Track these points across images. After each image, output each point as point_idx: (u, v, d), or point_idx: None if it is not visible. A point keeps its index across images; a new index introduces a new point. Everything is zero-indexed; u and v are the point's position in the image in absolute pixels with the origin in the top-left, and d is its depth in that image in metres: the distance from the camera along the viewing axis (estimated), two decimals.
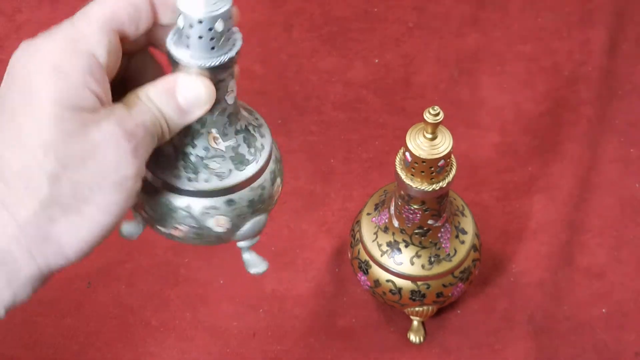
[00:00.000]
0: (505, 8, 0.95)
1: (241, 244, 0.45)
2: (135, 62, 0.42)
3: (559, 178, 0.81)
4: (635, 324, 0.72)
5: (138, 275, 0.75)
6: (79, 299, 0.74)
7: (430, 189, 0.59)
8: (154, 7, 0.39)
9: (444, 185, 0.60)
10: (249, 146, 0.43)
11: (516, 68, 0.90)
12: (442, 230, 0.65)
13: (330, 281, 0.75)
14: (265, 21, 0.92)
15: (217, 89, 0.40)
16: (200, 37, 0.38)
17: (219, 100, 0.40)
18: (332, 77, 0.89)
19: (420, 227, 0.64)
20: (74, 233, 0.37)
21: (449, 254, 0.66)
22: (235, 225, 0.43)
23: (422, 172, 0.59)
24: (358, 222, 0.69)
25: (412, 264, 0.65)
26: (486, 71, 0.90)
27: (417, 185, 0.59)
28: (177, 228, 0.43)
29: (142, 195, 0.42)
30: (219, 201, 0.42)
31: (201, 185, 0.41)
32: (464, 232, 0.67)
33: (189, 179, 0.41)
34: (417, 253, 0.65)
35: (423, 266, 0.65)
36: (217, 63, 0.39)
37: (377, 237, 0.67)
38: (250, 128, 0.43)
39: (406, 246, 0.65)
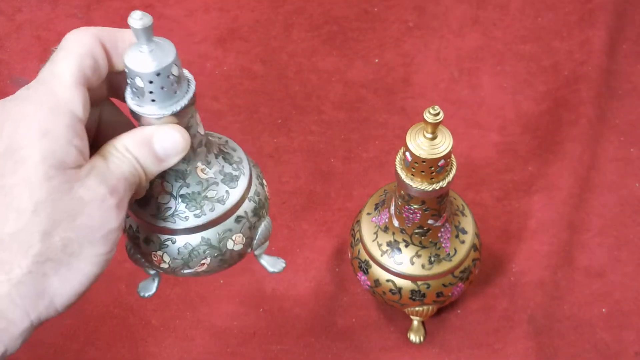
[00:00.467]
0: (505, 8, 0.95)
1: (256, 252, 0.48)
2: (103, 113, 0.44)
3: (559, 178, 0.81)
4: (635, 323, 0.72)
5: (138, 275, 0.75)
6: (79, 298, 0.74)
7: (430, 189, 0.59)
8: (109, 55, 0.40)
9: (444, 185, 0.59)
10: (230, 163, 0.45)
11: (516, 68, 0.90)
12: (442, 230, 0.65)
13: (330, 281, 0.75)
14: (265, 21, 0.92)
15: (189, 127, 0.41)
16: (162, 88, 0.39)
17: (194, 135, 0.42)
18: (332, 77, 0.89)
19: (420, 227, 0.64)
20: (65, 286, 0.38)
21: (449, 254, 0.66)
22: (249, 237, 0.46)
23: (422, 171, 0.58)
24: (358, 222, 0.69)
25: (412, 263, 0.65)
26: (486, 71, 0.90)
27: (417, 185, 0.59)
28: (202, 264, 0.45)
29: (160, 252, 0.44)
30: (229, 223, 0.44)
31: (209, 216, 0.43)
32: (464, 232, 0.67)
33: (196, 216, 0.43)
34: (417, 253, 0.65)
35: (423, 266, 0.65)
36: (187, 102, 0.40)
37: (377, 236, 0.67)
38: (222, 147, 0.45)
39: (406, 246, 0.65)
